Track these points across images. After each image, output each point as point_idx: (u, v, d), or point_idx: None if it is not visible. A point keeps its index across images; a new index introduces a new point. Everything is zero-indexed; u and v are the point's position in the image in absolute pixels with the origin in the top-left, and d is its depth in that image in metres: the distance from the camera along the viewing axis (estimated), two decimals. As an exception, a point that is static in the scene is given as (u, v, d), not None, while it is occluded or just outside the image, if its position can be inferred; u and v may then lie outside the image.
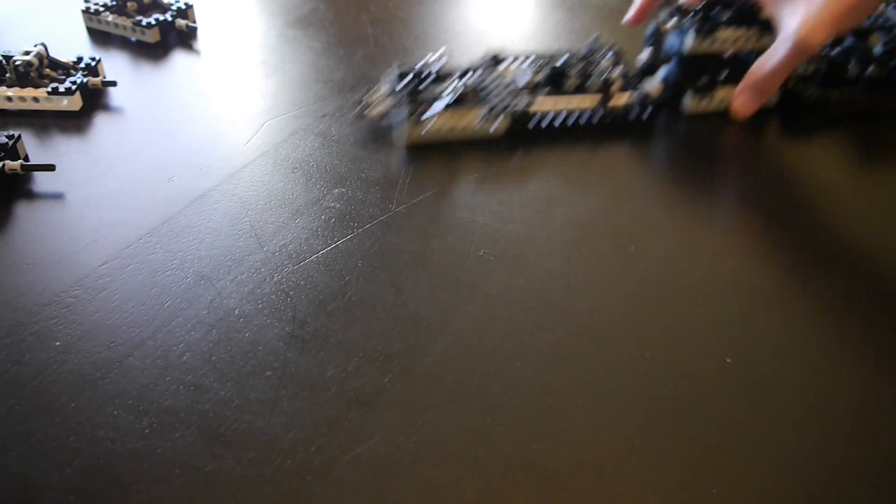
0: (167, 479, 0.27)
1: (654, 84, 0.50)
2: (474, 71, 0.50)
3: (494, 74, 0.50)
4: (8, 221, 0.40)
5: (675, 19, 0.50)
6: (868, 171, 0.46)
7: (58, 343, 0.33)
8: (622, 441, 0.29)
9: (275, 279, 0.36)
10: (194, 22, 0.62)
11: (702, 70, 0.50)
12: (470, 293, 0.36)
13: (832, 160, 0.47)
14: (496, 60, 0.51)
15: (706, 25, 0.47)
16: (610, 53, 0.53)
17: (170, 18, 0.60)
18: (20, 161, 0.43)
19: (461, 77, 0.49)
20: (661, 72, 0.52)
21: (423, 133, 0.45)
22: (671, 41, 0.51)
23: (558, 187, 0.43)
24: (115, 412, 0.30)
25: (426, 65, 0.49)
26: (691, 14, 0.49)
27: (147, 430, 0.29)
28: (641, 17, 0.51)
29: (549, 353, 0.33)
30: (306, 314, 0.35)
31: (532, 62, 0.51)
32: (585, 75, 0.49)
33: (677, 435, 0.30)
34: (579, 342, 0.34)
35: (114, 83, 0.52)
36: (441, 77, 0.48)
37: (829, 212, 0.42)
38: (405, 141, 0.45)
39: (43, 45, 0.52)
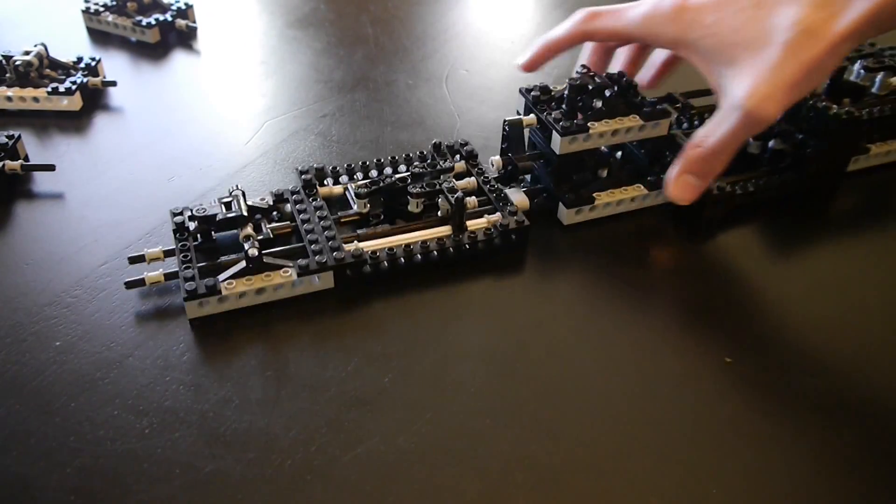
0: (167, 479, 0.27)
1: (518, 195, 0.40)
2: (277, 205, 0.38)
3: (313, 205, 0.38)
4: (8, 221, 0.40)
5: (532, 115, 0.41)
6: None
7: (58, 343, 0.33)
8: (622, 441, 0.29)
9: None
10: (194, 22, 0.62)
11: (578, 170, 0.41)
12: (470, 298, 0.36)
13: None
14: (310, 184, 0.40)
15: (573, 124, 0.38)
16: (458, 157, 0.42)
17: (170, 18, 0.60)
18: (20, 161, 0.43)
19: (259, 217, 0.37)
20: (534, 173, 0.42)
21: (217, 306, 0.34)
22: (533, 139, 0.42)
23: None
24: (115, 412, 0.30)
25: (218, 204, 0.37)
26: (556, 101, 0.41)
27: (147, 430, 0.29)
28: (535, 64, 0.42)
29: (549, 353, 0.33)
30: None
31: (361, 182, 0.39)
32: (431, 193, 0.38)
33: (677, 435, 0.30)
34: (580, 342, 0.34)
35: (114, 83, 0.52)
36: (236, 220, 0.36)
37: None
38: (190, 315, 0.34)
39: (43, 45, 0.52)
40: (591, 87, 0.39)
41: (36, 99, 0.49)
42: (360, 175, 0.41)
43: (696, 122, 0.46)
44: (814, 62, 0.33)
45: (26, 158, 0.45)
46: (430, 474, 0.28)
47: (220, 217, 0.36)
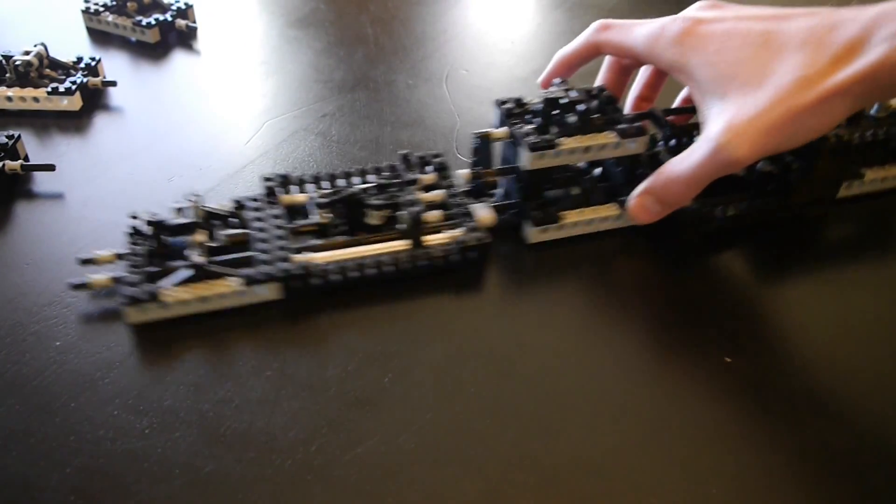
0: (167, 479, 0.27)
1: (483, 211, 0.39)
2: (236, 212, 0.38)
3: (271, 214, 0.38)
4: (8, 221, 0.40)
5: (504, 128, 0.39)
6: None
7: (58, 343, 0.33)
8: (622, 441, 0.29)
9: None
10: (194, 22, 0.62)
11: (546, 187, 0.40)
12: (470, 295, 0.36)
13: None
14: (272, 192, 0.39)
15: (541, 140, 0.37)
16: (430, 168, 0.41)
17: (170, 18, 0.60)
18: (20, 161, 0.43)
19: (217, 223, 0.37)
20: (502, 188, 0.41)
21: (159, 312, 0.34)
22: (506, 153, 0.40)
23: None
24: (115, 412, 0.30)
25: (177, 212, 0.37)
26: (531, 114, 0.39)
27: (147, 430, 0.29)
28: (551, 82, 0.42)
29: (549, 353, 0.33)
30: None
31: (321, 192, 0.38)
32: (390, 206, 0.38)
33: (677, 435, 0.30)
34: (580, 342, 0.34)
35: (114, 83, 0.52)
36: (188, 227, 0.36)
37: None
38: (130, 319, 0.34)
39: (43, 45, 0.52)
40: (564, 102, 0.38)
41: (36, 99, 0.49)
42: (327, 184, 0.40)
43: (684, 141, 0.42)
44: (800, 112, 0.31)
45: (26, 158, 0.45)
46: (430, 474, 0.28)
47: (171, 222, 0.36)
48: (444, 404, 0.31)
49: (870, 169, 0.42)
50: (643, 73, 0.44)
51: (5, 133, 0.44)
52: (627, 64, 0.43)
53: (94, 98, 0.52)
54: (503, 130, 0.39)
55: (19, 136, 0.44)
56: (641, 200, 0.36)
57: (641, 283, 0.38)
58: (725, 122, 0.33)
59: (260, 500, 0.27)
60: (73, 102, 0.50)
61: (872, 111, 0.43)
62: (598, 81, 0.43)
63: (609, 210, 0.39)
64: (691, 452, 0.29)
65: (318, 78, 0.55)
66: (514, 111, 0.39)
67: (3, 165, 0.42)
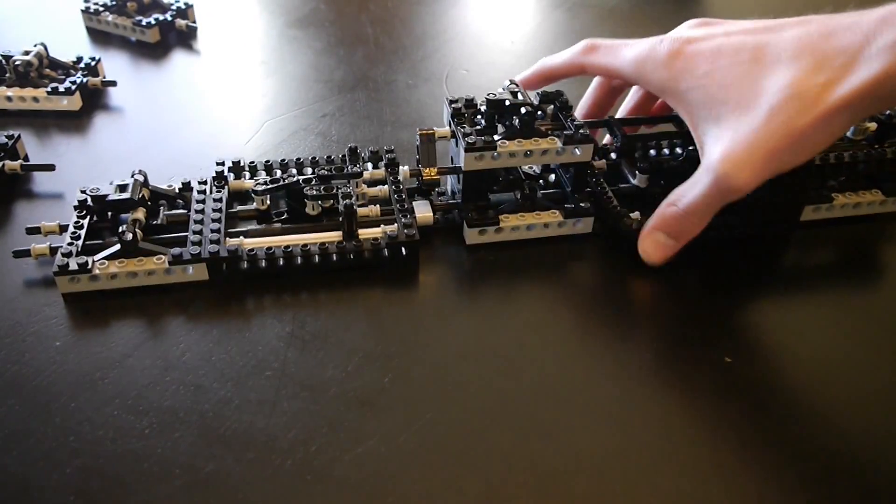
0: (167, 479, 0.27)
1: (422, 209, 0.39)
2: (182, 193, 0.39)
3: (213, 197, 0.38)
4: (8, 221, 0.40)
5: (447, 126, 0.39)
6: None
7: (58, 343, 0.33)
8: (622, 441, 0.29)
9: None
10: (194, 22, 0.62)
11: (490, 189, 0.39)
12: (470, 293, 0.36)
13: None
14: (221, 176, 0.40)
15: (479, 140, 0.36)
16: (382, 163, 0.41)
17: (169, 18, 0.60)
18: (20, 161, 0.43)
19: (163, 203, 0.38)
20: (450, 185, 0.41)
21: (89, 284, 0.35)
22: (451, 152, 0.40)
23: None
24: (115, 412, 0.30)
25: (117, 189, 0.37)
26: (479, 116, 0.39)
27: (147, 430, 0.29)
28: (530, 85, 0.41)
29: (549, 352, 0.33)
30: (306, 314, 0.35)
31: (261, 180, 0.39)
32: (327, 197, 0.38)
33: (677, 435, 0.30)
34: (580, 342, 0.34)
35: (114, 83, 0.52)
36: (126, 203, 0.37)
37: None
38: (61, 289, 0.35)
39: (43, 44, 0.52)
40: (508, 104, 0.37)
41: (36, 99, 0.49)
42: (278, 172, 0.41)
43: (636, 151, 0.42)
44: (800, 133, 0.30)
45: (26, 158, 0.45)
46: (430, 474, 0.28)
47: (110, 198, 0.37)
48: (444, 404, 0.31)
49: (841, 194, 0.41)
50: (633, 94, 0.43)
51: (5, 133, 0.44)
52: (617, 84, 0.42)
53: (94, 98, 0.52)
54: (446, 129, 0.39)
55: (19, 136, 0.44)
56: (653, 238, 0.35)
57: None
58: (723, 151, 0.32)
59: (260, 500, 0.27)
60: (73, 102, 0.50)
61: (849, 133, 0.41)
62: (585, 98, 0.43)
63: (552, 217, 0.38)
64: (691, 452, 0.29)
65: (318, 78, 0.55)
66: (462, 110, 0.39)
67: (3, 165, 0.42)
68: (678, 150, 0.40)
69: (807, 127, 0.30)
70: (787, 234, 0.40)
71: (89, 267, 0.34)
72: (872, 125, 0.41)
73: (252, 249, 0.36)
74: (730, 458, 0.29)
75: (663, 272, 0.37)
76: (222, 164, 0.41)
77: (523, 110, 0.37)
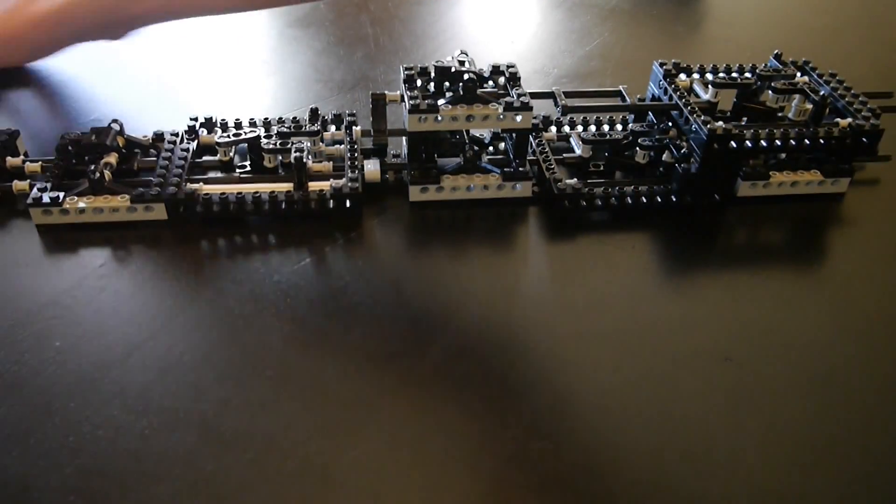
0: (167, 479, 0.27)
1: (370, 167, 0.42)
2: (155, 143, 0.43)
3: (181, 148, 0.43)
4: (8, 221, 0.40)
5: (400, 91, 0.42)
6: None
7: (58, 343, 0.33)
8: (623, 441, 0.29)
9: (274, 279, 0.36)
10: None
11: (436, 152, 0.42)
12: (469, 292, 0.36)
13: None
14: (193, 130, 0.44)
15: (422, 103, 0.39)
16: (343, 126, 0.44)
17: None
18: (21, 157, 0.43)
19: (137, 151, 0.42)
20: (405, 148, 0.43)
21: (59, 217, 0.39)
22: (402, 115, 0.42)
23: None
24: (115, 412, 0.30)
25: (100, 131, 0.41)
26: (421, 85, 0.42)
27: (147, 430, 0.29)
28: None
29: (549, 352, 0.33)
30: (306, 314, 0.35)
31: (223, 134, 0.43)
32: (283, 151, 0.41)
33: (678, 435, 0.30)
34: (580, 342, 0.34)
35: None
36: (100, 147, 0.40)
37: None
38: (35, 220, 0.39)
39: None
40: (453, 71, 0.41)
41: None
42: (248, 129, 0.44)
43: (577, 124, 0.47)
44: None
45: (26, 155, 0.45)
46: (430, 474, 0.28)
47: (84, 142, 0.40)
48: (443, 404, 0.31)
49: (780, 172, 0.42)
50: None
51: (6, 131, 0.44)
52: None
53: (94, 98, 0.52)
54: (397, 94, 0.42)
55: (17, 133, 0.44)
56: None
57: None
58: None
59: (260, 500, 0.27)
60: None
61: (791, 114, 0.44)
62: None
63: (492, 179, 0.41)
64: (692, 452, 0.29)
65: (318, 78, 0.55)
66: (413, 77, 0.42)
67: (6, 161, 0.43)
68: (619, 127, 0.46)
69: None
70: (723, 207, 0.42)
71: (60, 201, 0.38)
72: (809, 106, 0.43)
73: (208, 194, 0.39)
74: (731, 459, 0.29)
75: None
76: (195, 119, 0.45)
77: (466, 77, 0.40)
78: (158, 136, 0.44)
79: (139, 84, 0.54)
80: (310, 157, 0.41)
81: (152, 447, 0.28)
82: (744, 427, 0.30)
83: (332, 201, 0.39)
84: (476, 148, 0.43)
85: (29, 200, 0.38)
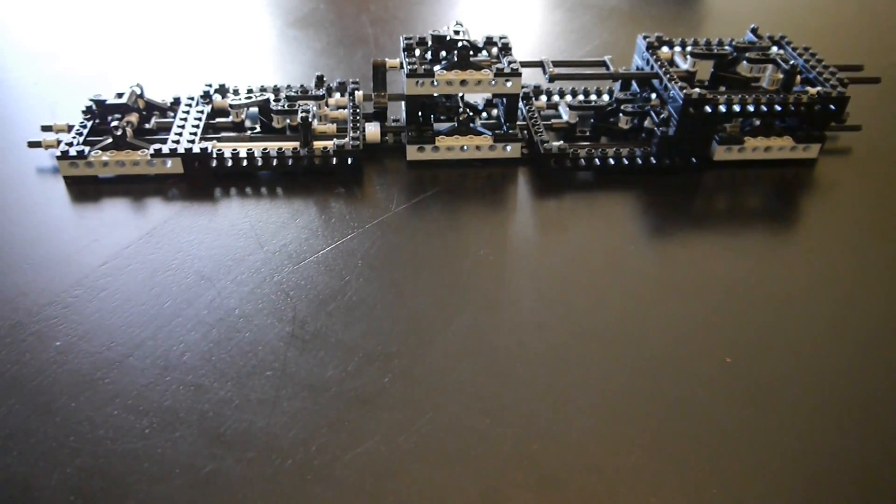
0: (167, 479, 0.27)
1: (371, 128, 0.45)
2: (173, 106, 0.46)
3: (197, 110, 0.46)
4: (8, 221, 0.40)
5: (399, 59, 0.45)
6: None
7: (58, 343, 0.33)
8: (622, 441, 0.29)
9: (275, 279, 0.36)
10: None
11: (433, 115, 0.45)
12: (470, 292, 0.36)
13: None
14: (207, 95, 0.48)
15: (418, 68, 0.42)
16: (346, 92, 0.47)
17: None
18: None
19: (157, 113, 0.45)
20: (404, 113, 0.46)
21: (85, 169, 0.42)
22: (402, 81, 0.45)
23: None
24: (115, 412, 0.30)
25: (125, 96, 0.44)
26: (420, 53, 0.44)
27: (147, 430, 0.29)
28: None
29: (549, 352, 0.33)
30: (306, 314, 0.35)
31: (236, 97, 0.46)
32: (290, 112, 0.45)
33: (677, 435, 0.30)
34: (580, 342, 0.34)
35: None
36: (122, 108, 0.44)
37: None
38: (62, 172, 0.42)
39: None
40: (448, 39, 0.43)
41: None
42: (259, 93, 0.47)
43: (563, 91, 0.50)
44: None
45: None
46: (430, 474, 0.28)
47: (108, 102, 0.44)
48: (444, 404, 0.31)
49: (753, 138, 0.45)
50: None
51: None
52: None
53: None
54: (396, 61, 0.45)
55: None
56: None
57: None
58: None
59: (260, 500, 0.27)
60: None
61: (765, 83, 0.46)
62: None
63: (484, 140, 0.44)
64: (691, 452, 0.29)
65: (318, 78, 0.55)
66: (413, 46, 0.44)
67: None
68: (606, 97, 0.49)
69: None
70: (700, 169, 0.45)
71: (85, 154, 0.42)
72: (781, 76, 0.45)
73: (221, 151, 0.43)
74: (730, 459, 0.29)
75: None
76: (210, 85, 0.48)
77: (460, 44, 0.42)
78: (177, 101, 0.47)
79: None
80: (315, 119, 0.44)
81: (152, 447, 0.28)
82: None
83: (334, 158, 0.43)
84: (470, 112, 0.46)
85: (57, 153, 0.42)
